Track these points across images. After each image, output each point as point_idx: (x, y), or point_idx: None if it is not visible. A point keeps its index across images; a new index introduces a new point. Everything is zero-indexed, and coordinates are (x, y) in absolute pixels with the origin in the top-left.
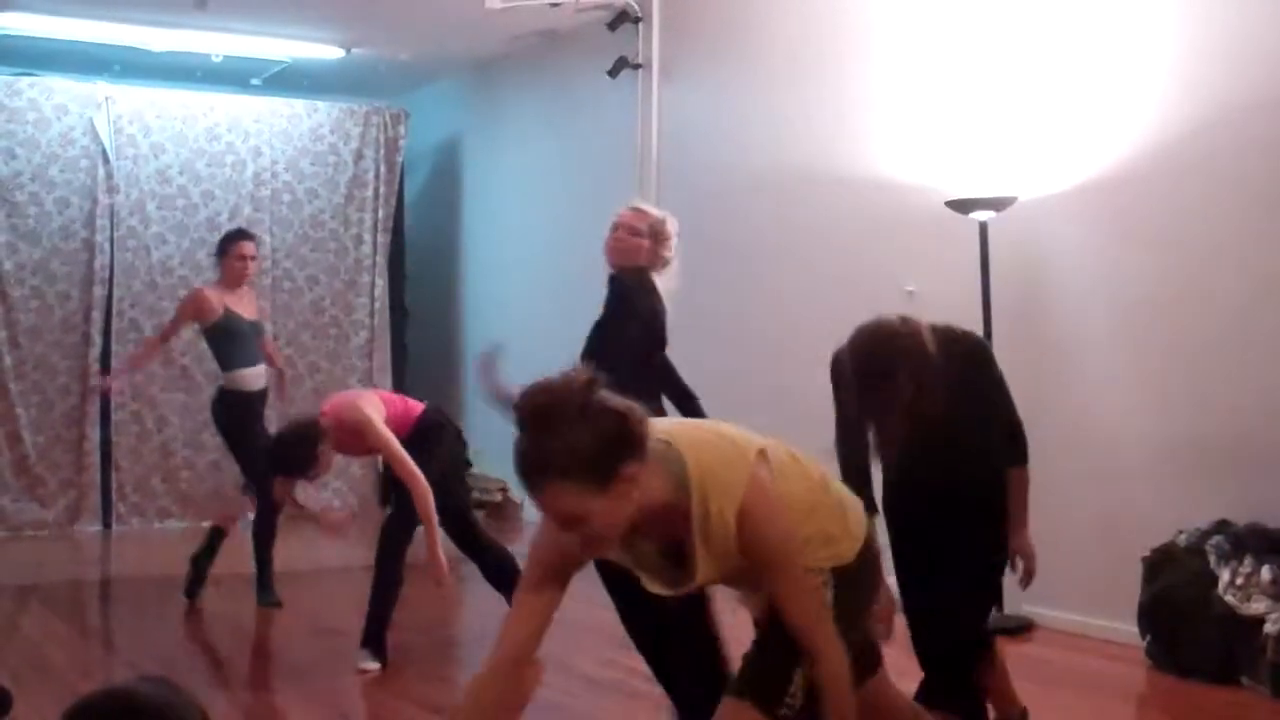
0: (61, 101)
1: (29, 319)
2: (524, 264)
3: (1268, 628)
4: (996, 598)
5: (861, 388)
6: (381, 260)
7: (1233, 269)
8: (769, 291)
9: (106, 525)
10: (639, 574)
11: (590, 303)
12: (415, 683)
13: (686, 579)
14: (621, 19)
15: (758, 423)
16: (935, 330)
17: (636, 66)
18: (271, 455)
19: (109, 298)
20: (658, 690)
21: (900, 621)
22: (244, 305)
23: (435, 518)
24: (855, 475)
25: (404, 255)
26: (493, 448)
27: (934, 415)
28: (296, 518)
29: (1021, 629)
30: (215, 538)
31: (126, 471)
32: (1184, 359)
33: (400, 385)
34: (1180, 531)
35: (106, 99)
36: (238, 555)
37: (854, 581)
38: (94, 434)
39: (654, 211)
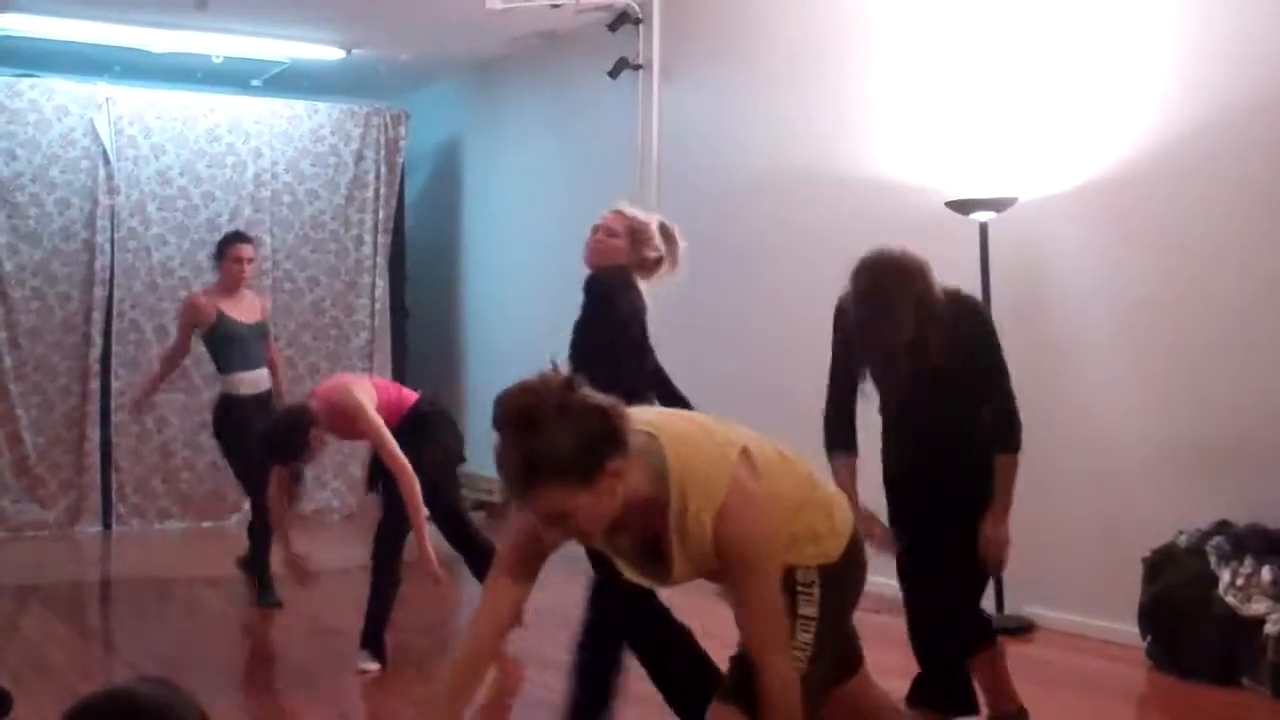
0: (62, 102)
1: (29, 320)
2: (524, 265)
3: (1268, 628)
4: (985, 581)
5: (863, 317)
6: (382, 261)
7: (1233, 270)
8: (769, 292)
9: (107, 526)
10: (616, 562)
11: None
12: (415, 683)
13: (664, 574)
14: (622, 20)
15: (758, 423)
16: (942, 287)
17: (637, 67)
18: (262, 441)
19: (109, 299)
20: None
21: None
22: (242, 309)
23: (422, 508)
24: (842, 424)
25: (404, 256)
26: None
27: (934, 366)
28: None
29: (1022, 630)
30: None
31: (127, 472)
32: (1185, 360)
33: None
34: (1181, 532)
35: (107, 100)
36: (236, 556)
37: (840, 580)
38: (94, 435)
39: (636, 214)
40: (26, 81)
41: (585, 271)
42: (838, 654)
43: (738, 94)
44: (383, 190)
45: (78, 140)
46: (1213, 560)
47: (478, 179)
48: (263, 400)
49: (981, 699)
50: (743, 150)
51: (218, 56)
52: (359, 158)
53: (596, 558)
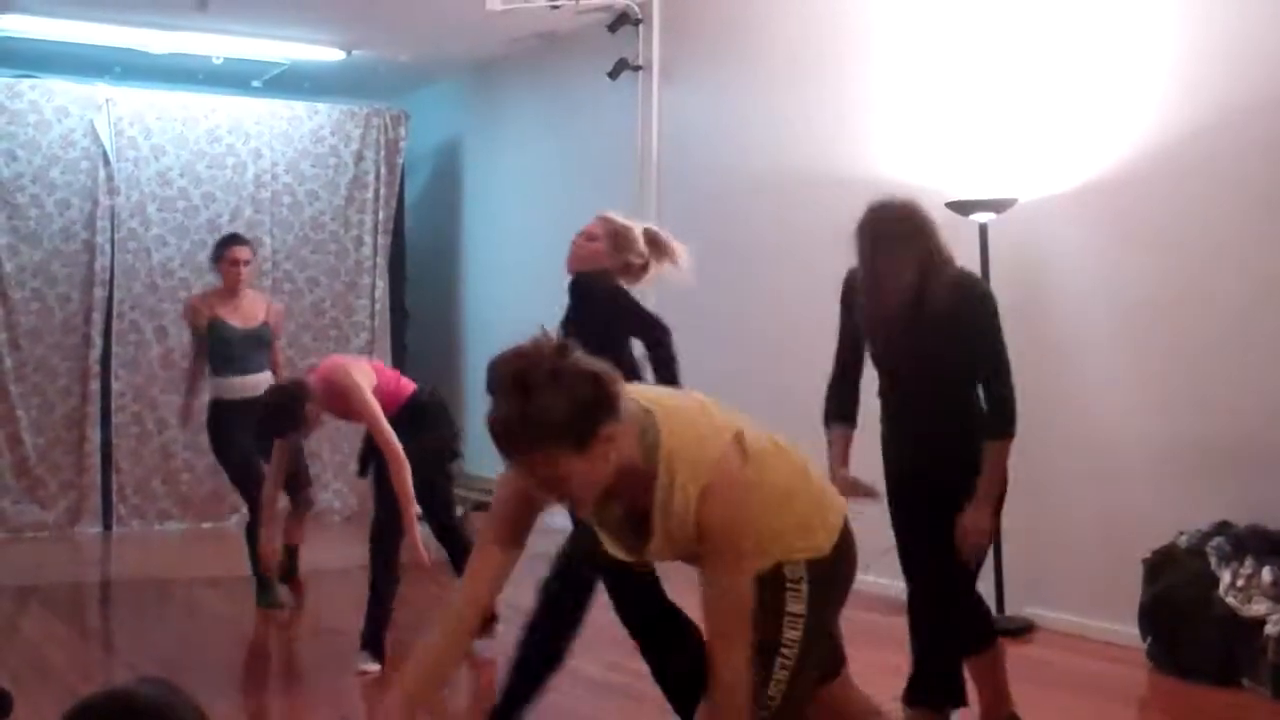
0: (62, 103)
1: (29, 321)
2: (524, 265)
3: (1268, 629)
4: (975, 574)
5: (869, 253)
6: (382, 262)
7: (1233, 270)
8: (769, 292)
9: (107, 527)
10: (601, 534)
11: None
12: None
13: (643, 548)
14: (622, 21)
15: (757, 423)
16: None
17: (637, 68)
18: (259, 415)
19: (109, 300)
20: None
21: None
22: (241, 313)
23: (412, 494)
24: (843, 396)
25: (404, 257)
26: (491, 448)
27: (933, 354)
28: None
29: (1022, 630)
30: (286, 553)
31: (127, 473)
32: (1185, 360)
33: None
34: (1181, 533)
35: (107, 101)
36: (237, 557)
37: (829, 577)
38: (94, 436)
39: (619, 219)
40: (27, 82)
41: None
42: (824, 652)
43: (737, 95)
44: (383, 191)
45: (78, 141)
46: (1213, 561)
47: (478, 180)
48: (253, 404)
49: (976, 701)
50: (742, 151)
51: (218, 57)
52: (359, 158)
53: (573, 546)
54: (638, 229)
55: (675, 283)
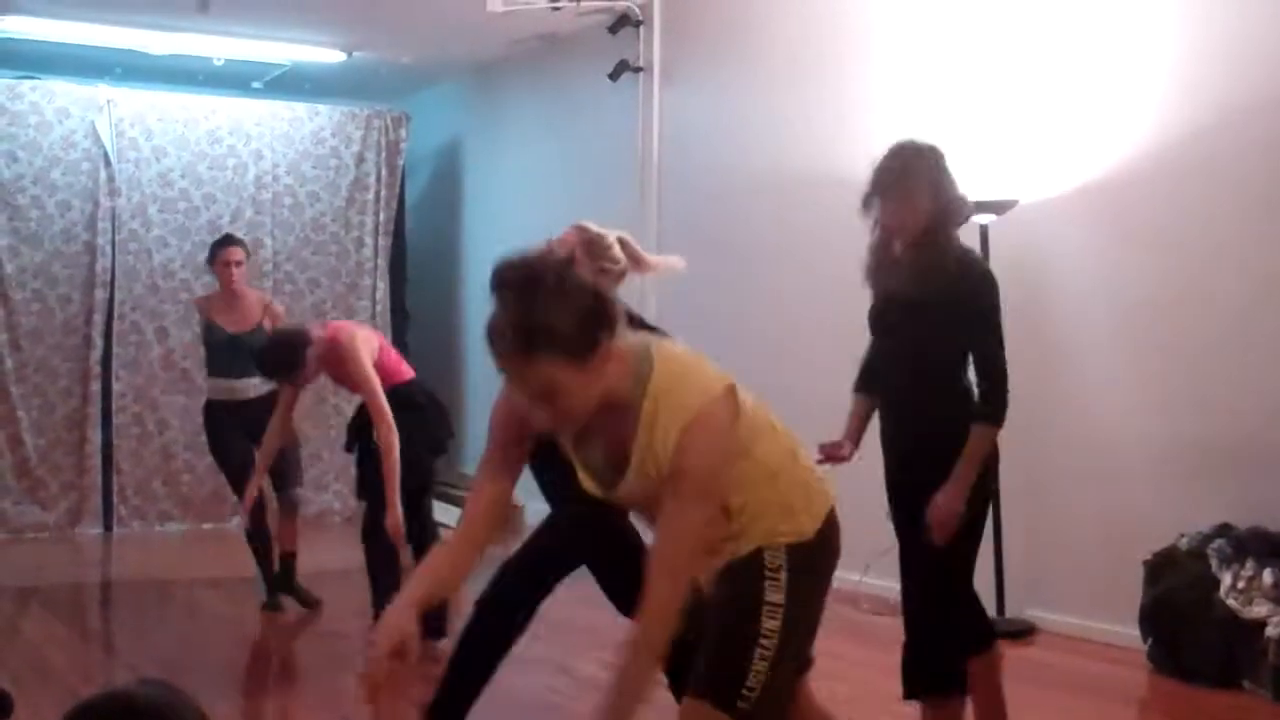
0: (63, 105)
1: (30, 322)
2: None
3: (1269, 631)
4: (971, 555)
5: (883, 184)
6: (383, 263)
7: (1233, 271)
8: (769, 293)
9: (107, 528)
10: (579, 469)
11: None
12: (415, 684)
13: (616, 485)
14: (622, 22)
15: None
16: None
17: (637, 70)
18: (259, 356)
19: (110, 301)
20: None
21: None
22: (236, 315)
23: (398, 465)
24: (870, 370)
25: (405, 258)
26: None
27: (937, 288)
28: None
29: (1022, 633)
30: (282, 565)
31: (128, 474)
32: (1185, 361)
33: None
34: (1181, 535)
35: (108, 102)
36: (237, 558)
37: (810, 566)
38: (95, 437)
39: (593, 228)
40: (28, 84)
41: None
42: (804, 645)
43: (738, 96)
44: (383, 192)
45: (79, 142)
46: (1214, 563)
47: (478, 181)
48: (242, 406)
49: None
50: (743, 152)
51: (219, 59)
52: (360, 160)
53: (602, 570)
54: (611, 236)
55: (674, 282)
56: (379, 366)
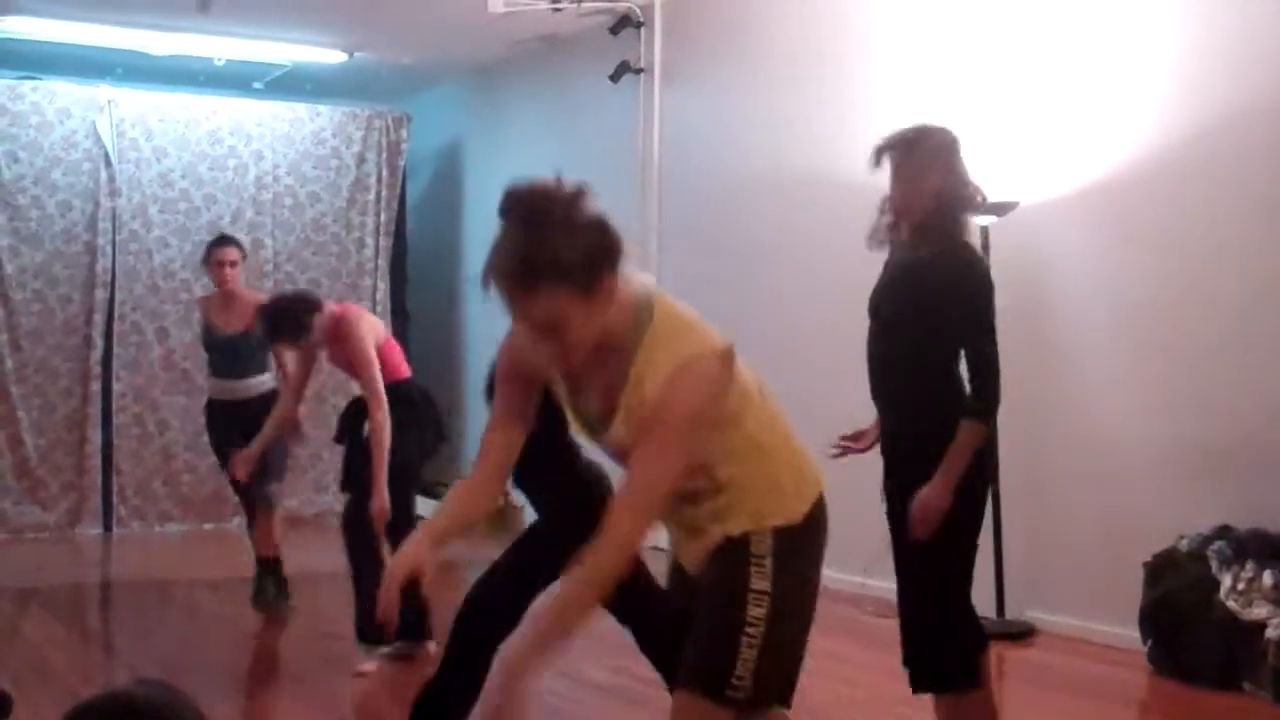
0: (64, 105)
1: (31, 322)
2: None
3: (1269, 633)
4: (968, 556)
5: (901, 157)
6: (383, 264)
7: (1234, 272)
8: (769, 294)
9: (107, 528)
10: (571, 417)
11: None
12: (414, 686)
13: (605, 429)
14: (623, 24)
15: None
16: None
17: (638, 71)
18: (265, 313)
19: (111, 301)
20: (664, 696)
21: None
22: (230, 316)
23: (387, 443)
24: None
25: (405, 259)
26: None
27: (934, 278)
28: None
29: (1022, 634)
30: (266, 570)
31: (127, 475)
32: (1185, 362)
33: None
34: (1182, 536)
35: (109, 102)
36: (237, 559)
37: (798, 551)
38: (95, 437)
39: None
40: (29, 84)
41: None
42: (800, 633)
43: (738, 97)
44: (384, 193)
45: (79, 142)
46: (1214, 565)
47: (479, 182)
48: (241, 406)
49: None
50: (743, 153)
51: (220, 59)
52: (360, 160)
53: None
54: None
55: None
56: (379, 359)
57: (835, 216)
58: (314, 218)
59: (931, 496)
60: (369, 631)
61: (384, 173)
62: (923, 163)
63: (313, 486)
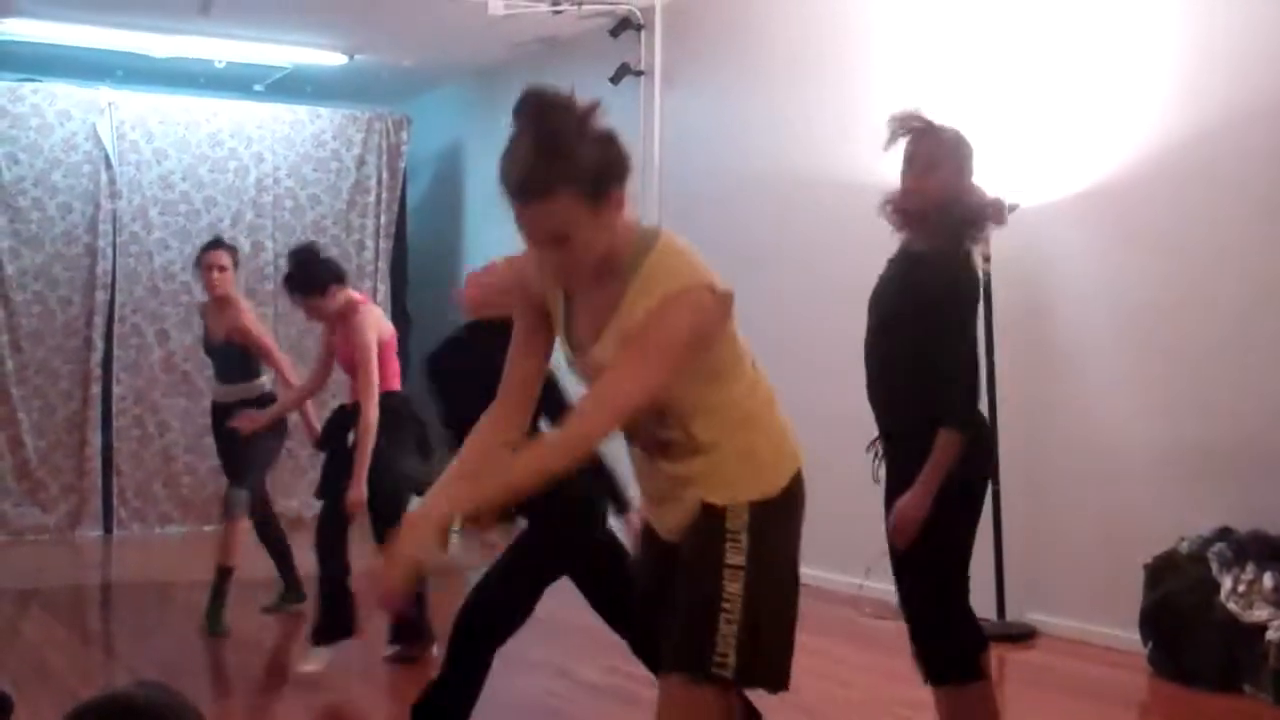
0: (64, 107)
1: (31, 323)
2: None
3: (1270, 635)
4: (963, 558)
5: (912, 134)
6: (384, 266)
7: (1235, 274)
8: (770, 295)
9: (107, 530)
10: (560, 339)
11: None
12: (413, 686)
13: (588, 349)
14: (624, 26)
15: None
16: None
17: (639, 73)
18: (294, 254)
19: (111, 303)
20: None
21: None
22: (220, 321)
23: (372, 438)
24: None
25: (406, 261)
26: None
27: (925, 280)
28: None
29: (1023, 636)
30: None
31: (128, 476)
32: (1186, 364)
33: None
34: (1182, 538)
35: (109, 104)
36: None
37: (774, 525)
38: (95, 439)
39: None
40: (29, 86)
41: None
42: (784, 608)
43: (739, 99)
44: (384, 195)
45: (80, 144)
46: (1214, 567)
47: (479, 184)
48: (229, 410)
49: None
50: (744, 154)
51: (220, 61)
52: (361, 163)
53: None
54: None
55: None
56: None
57: (835, 218)
58: (314, 220)
59: (908, 506)
60: (323, 634)
61: (384, 175)
62: (937, 153)
63: (312, 488)
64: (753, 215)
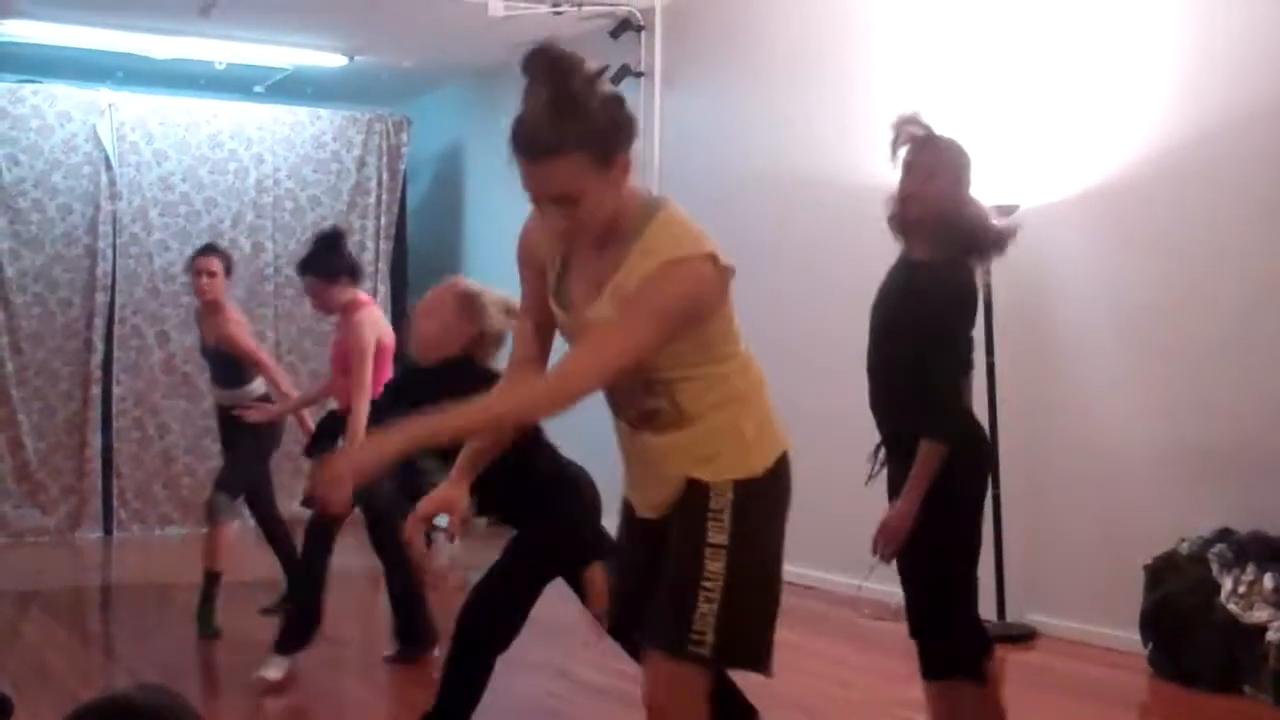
0: (65, 108)
1: (31, 325)
2: None
3: (1270, 636)
4: (967, 564)
5: (912, 143)
6: (384, 267)
7: (1235, 275)
8: (770, 297)
9: (108, 532)
10: (553, 297)
11: None
12: (413, 686)
13: (580, 311)
14: (624, 27)
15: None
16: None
17: (639, 74)
18: (318, 237)
19: (111, 304)
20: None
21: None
22: (209, 327)
23: (362, 433)
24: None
25: (406, 262)
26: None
27: (919, 288)
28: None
29: (1023, 637)
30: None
31: (128, 478)
32: (1186, 365)
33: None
34: (1182, 539)
35: (110, 106)
36: (238, 562)
37: (758, 505)
38: (95, 440)
39: (469, 286)
40: (29, 87)
41: None
42: (767, 595)
43: (739, 100)
44: (385, 196)
45: (80, 146)
46: (1214, 567)
47: (479, 185)
48: (222, 413)
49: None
50: (744, 156)
51: (220, 63)
52: (361, 164)
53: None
54: (489, 296)
55: None
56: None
57: (836, 219)
58: (314, 221)
59: (891, 519)
60: (289, 643)
61: (384, 176)
62: (935, 162)
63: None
64: (753, 216)
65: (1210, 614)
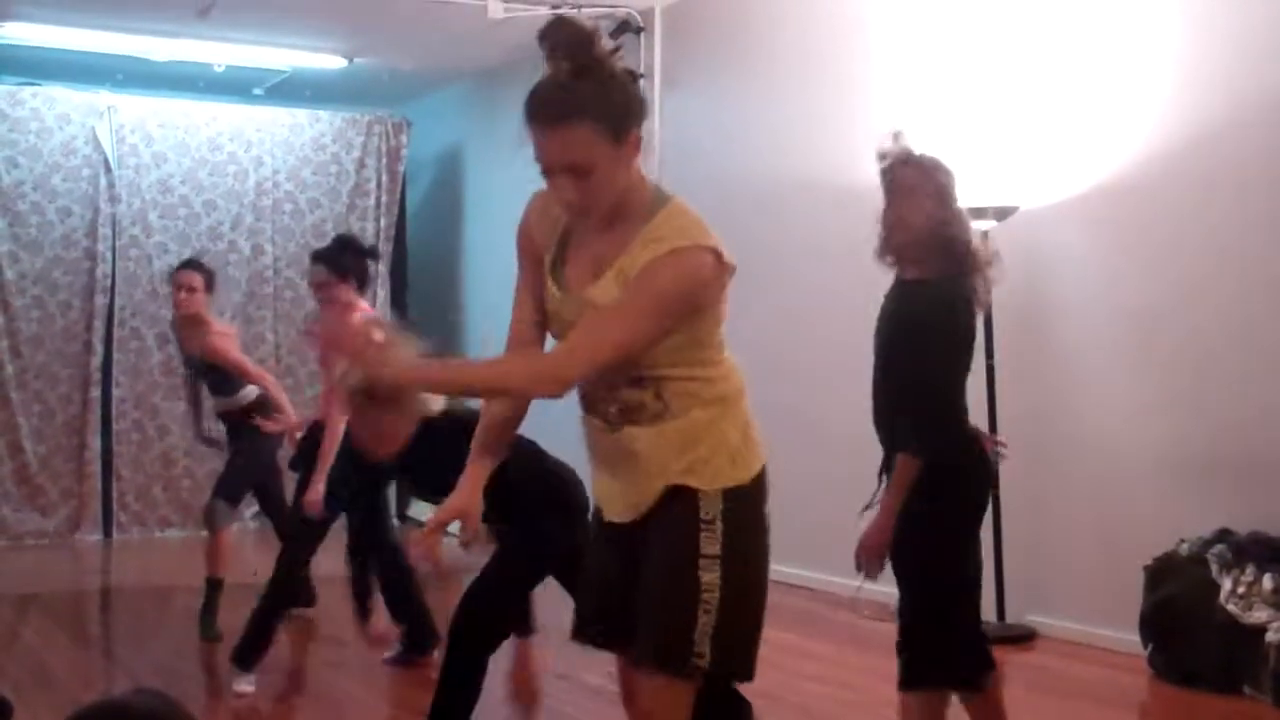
0: (64, 111)
1: (31, 328)
2: None
3: (1270, 637)
4: (947, 592)
5: (893, 163)
6: (383, 269)
7: (1234, 277)
8: (769, 298)
9: (107, 534)
10: (549, 277)
11: None
12: (413, 688)
13: (576, 291)
14: (624, 29)
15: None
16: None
17: (639, 76)
18: (340, 237)
19: (110, 307)
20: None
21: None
22: (190, 340)
23: (337, 442)
24: None
25: (406, 264)
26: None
27: (911, 303)
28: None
29: (1023, 638)
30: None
31: (127, 480)
32: (1186, 367)
33: None
34: (1182, 540)
35: (109, 108)
36: (236, 564)
37: (746, 512)
38: (95, 443)
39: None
40: (29, 90)
41: None
42: (758, 605)
43: (739, 102)
44: (384, 199)
45: (79, 148)
46: (1214, 568)
47: (479, 187)
48: (227, 418)
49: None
50: (744, 158)
51: (219, 65)
52: (360, 166)
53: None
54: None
55: None
56: None
57: (836, 221)
58: (314, 223)
59: (868, 534)
60: (247, 656)
61: (384, 178)
62: (915, 181)
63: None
64: (753, 218)
65: (1210, 615)
